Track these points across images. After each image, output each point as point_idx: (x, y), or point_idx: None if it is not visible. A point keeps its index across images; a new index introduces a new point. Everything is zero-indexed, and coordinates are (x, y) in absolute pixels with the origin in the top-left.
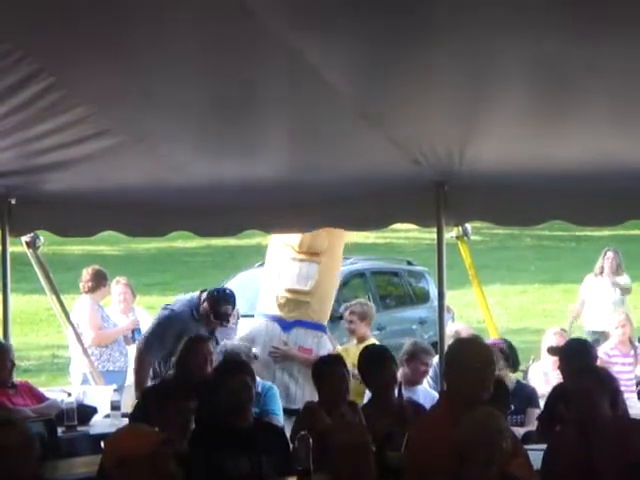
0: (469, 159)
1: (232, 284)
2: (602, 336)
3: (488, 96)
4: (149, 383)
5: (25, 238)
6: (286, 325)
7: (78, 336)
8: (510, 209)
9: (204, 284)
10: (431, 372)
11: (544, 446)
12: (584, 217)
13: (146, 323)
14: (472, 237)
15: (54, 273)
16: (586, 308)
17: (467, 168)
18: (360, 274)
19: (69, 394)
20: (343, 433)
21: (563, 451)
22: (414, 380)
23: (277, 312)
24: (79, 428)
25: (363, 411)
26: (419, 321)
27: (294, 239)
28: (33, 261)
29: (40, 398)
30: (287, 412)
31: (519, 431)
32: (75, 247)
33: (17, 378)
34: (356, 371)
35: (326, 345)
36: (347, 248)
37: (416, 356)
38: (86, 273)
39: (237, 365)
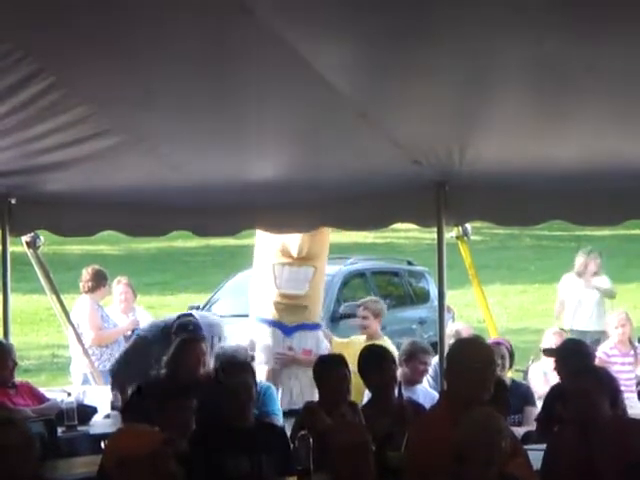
0: (469, 159)
1: (232, 284)
2: (582, 335)
3: (488, 96)
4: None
5: (25, 238)
6: (288, 330)
7: (78, 336)
8: (510, 209)
9: (204, 284)
10: (431, 372)
11: (544, 446)
12: (584, 217)
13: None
14: (472, 237)
15: (54, 273)
16: (566, 308)
17: (467, 168)
18: (360, 274)
19: (69, 394)
20: (343, 433)
21: (563, 451)
22: (413, 380)
23: (276, 317)
24: (79, 428)
25: (363, 411)
26: (419, 321)
27: (291, 245)
28: (33, 261)
29: (40, 398)
30: (293, 414)
31: (518, 431)
32: (75, 247)
33: (17, 378)
34: None
35: (323, 341)
36: (347, 248)
37: (415, 356)
38: (86, 273)
39: (238, 365)
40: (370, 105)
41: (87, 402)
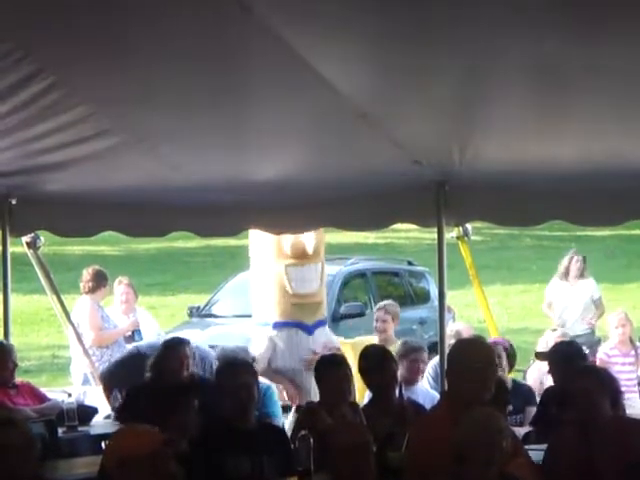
0: (469, 159)
1: (232, 284)
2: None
3: (488, 96)
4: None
5: (25, 238)
6: (309, 329)
7: (79, 336)
8: (510, 209)
9: (204, 284)
10: (432, 372)
11: (544, 446)
12: (585, 217)
13: (147, 324)
14: (472, 237)
15: (54, 273)
16: (554, 310)
17: (467, 168)
18: (361, 274)
19: (70, 394)
20: (344, 433)
21: (563, 451)
22: (411, 379)
23: (296, 318)
24: (80, 428)
25: (364, 411)
26: (420, 321)
27: (306, 243)
28: (34, 261)
29: (41, 398)
30: None
31: (519, 431)
32: (75, 247)
33: (18, 378)
34: None
35: (333, 335)
36: (348, 248)
37: (408, 355)
38: (86, 273)
39: (239, 365)
40: (370, 105)
41: (88, 402)
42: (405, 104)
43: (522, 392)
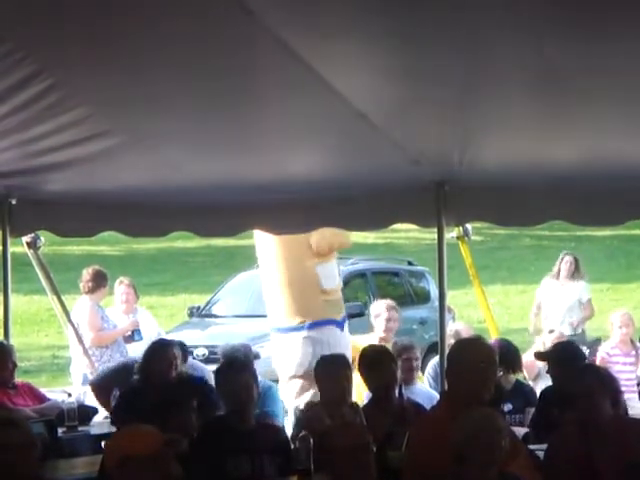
0: (469, 159)
1: (232, 284)
2: None
3: (488, 97)
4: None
5: (26, 238)
6: (340, 324)
7: (79, 336)
8: (510, 209)
9: (204, 284)
10: (432, 372)
11: (544, 446)
12: (584, 217)
13: (148, 324)
14: (472, 237)
15: (55, 273)
16: (543, 311)
17: (467, 168)
18: (361, 274)
19: (69, 394)
20: (344, 434)
21: (563, 451)
22: (407, 378)
23: (328, 315)
24: (80, 428)
25: (364, 411)
26: (420, 321)
27: (325, 241)
28: (34, 261)
29: (41, 399)
30: None
31: (519, 431)
32: (75, 247)
33: (18, 379)
34: None
35: None
36: (348, 248)
37: (400, 355)
38: (86, 273)
39: (239, 365)
40: (370, 106)
41: (87, 402)
42: (405, 105)
43: (524, 392)
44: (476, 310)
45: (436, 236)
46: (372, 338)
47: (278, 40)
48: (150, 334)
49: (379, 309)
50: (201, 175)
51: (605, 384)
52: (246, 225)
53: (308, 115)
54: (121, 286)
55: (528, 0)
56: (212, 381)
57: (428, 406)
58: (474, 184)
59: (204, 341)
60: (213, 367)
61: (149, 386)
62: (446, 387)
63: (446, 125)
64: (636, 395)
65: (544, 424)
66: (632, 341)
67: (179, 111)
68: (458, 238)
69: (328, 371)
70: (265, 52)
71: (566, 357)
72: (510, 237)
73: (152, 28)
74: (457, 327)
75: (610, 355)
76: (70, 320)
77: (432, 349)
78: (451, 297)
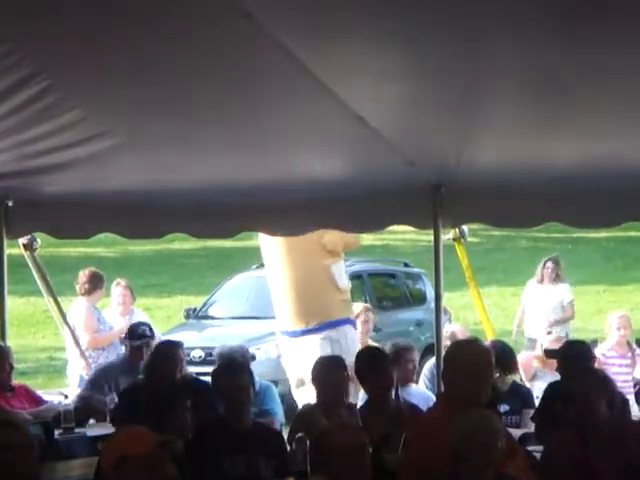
0: (466, 161)
1: (228, 286)
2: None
3: (484, 99)
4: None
5: (22, 240)
6: (353, 322)
7: (75, 338)
8: (507, 211)
9: (200, 286)
10: (428, 373)
11: (541, 447)
12: (581, 219)
13: None
14: (468, 239)
15: (51, 275)
16: (526, 314)
17: (464, 170)
18: (357, 276)
19: (66, 396)
20: (340, 435)
21: (561, 452)
22: (405, 379)
23: (344, 314)
24: (76, 430)
25: (360, 412)
26: (416, 323)
27: (336, 240)
28: (30, 263)
29: (38, 401)
30: None
31: (516, 432)
32: (72, 249)
33: (14, 381)
34: None
35: None
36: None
37: (400, 356)
38: (82, 275)
39: (236, 366)
40: (367, 108)
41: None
42: (402, 107)
43: (520, 394)
44: (472, 312)
45: (432, 238)
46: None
47: (276, 42)
48: None
49: (356, 311)
50: (197, 177)
51: (602, 386)
52: (243, 227)
53: (305, 117)
54: (118, 288)
55: (526, 3)
56: None
57: (424, 408)
58: (470, 186)
59: (200, 343)
60: (209, 369)
61: (151, 386)
62: (442, 389)
63: (443, 127)
64: (632, 397)
65: (548, 418)
66: (628, 343)
67: (176, 113)
68: (454, 240)
69: (325, 372)
70: (262, 54)
71: (573, 356)
72: (506, 239)
73: (150, 30)
74: (453, 329)
75: (606, 357)
76: (66, 322)
77: (428, 351)
78: (447, 299)
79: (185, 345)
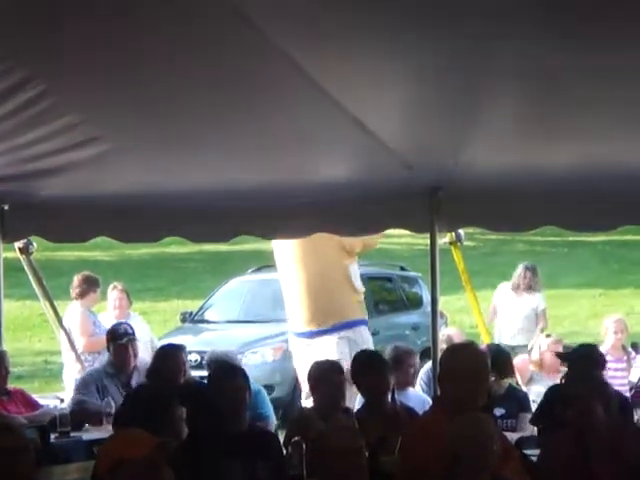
0: (463, 165)
1: (225, 290)
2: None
3: (482, 103)
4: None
5: (18, 244)
6: (367, 323)
7: (71, 342)
8: (503, 215)
9: (197, 289)
10: (424, 377)
11: (538, 451)
12: (578, 223)
13: (140, 330)
14: (465, 243)
15: (47, 279)
16: (499, 320)
17: (461, 174)
18: None
19: (62, 400)
20: (336, 438)
21: (558, 455)
22: (405, 383)
23: (360, 315)
24: (72, 434)
25: (356, 416)
26: (412, 326)
27: (359, 242)
28: (26, 267)
29: (34, 405)
30: None
31: (512, 436)
32: (68, 253)
33: (10, 385)
34: None
35: None
36: None
37: (401, 360)
38: (76, 279)
39: (232, 370)
40: (364, 111)
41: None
42: (400, 110)
43: (516, 397)
44: (468, 315)
45: (429, 242)
46: None
47: (274, 46)
48: (143, 340)
49: None
50: (194, 181)
51: (600, 390)
52: (240, 231)
53: (302, 120)
54: (114, 291)
55: (527, 5)
56: None
57: (421, 411)
58: (467, 190)
59: (197, 347)
60: (205, 373)
61: (153, 389)
62: (438, 392)
63: (440, 131)
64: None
65: (548, 421)
66: (624, 347)
67: (173, 117)
68: (451, 244)
69: (322, 377)
70: (260, 58)
71: (584, 360)
72: (503, 242)
73: (147, 34)
74: (449, 332)
75: None
76: (62, 326)
77: (424, 354)
78: (443, 302)
79: None
